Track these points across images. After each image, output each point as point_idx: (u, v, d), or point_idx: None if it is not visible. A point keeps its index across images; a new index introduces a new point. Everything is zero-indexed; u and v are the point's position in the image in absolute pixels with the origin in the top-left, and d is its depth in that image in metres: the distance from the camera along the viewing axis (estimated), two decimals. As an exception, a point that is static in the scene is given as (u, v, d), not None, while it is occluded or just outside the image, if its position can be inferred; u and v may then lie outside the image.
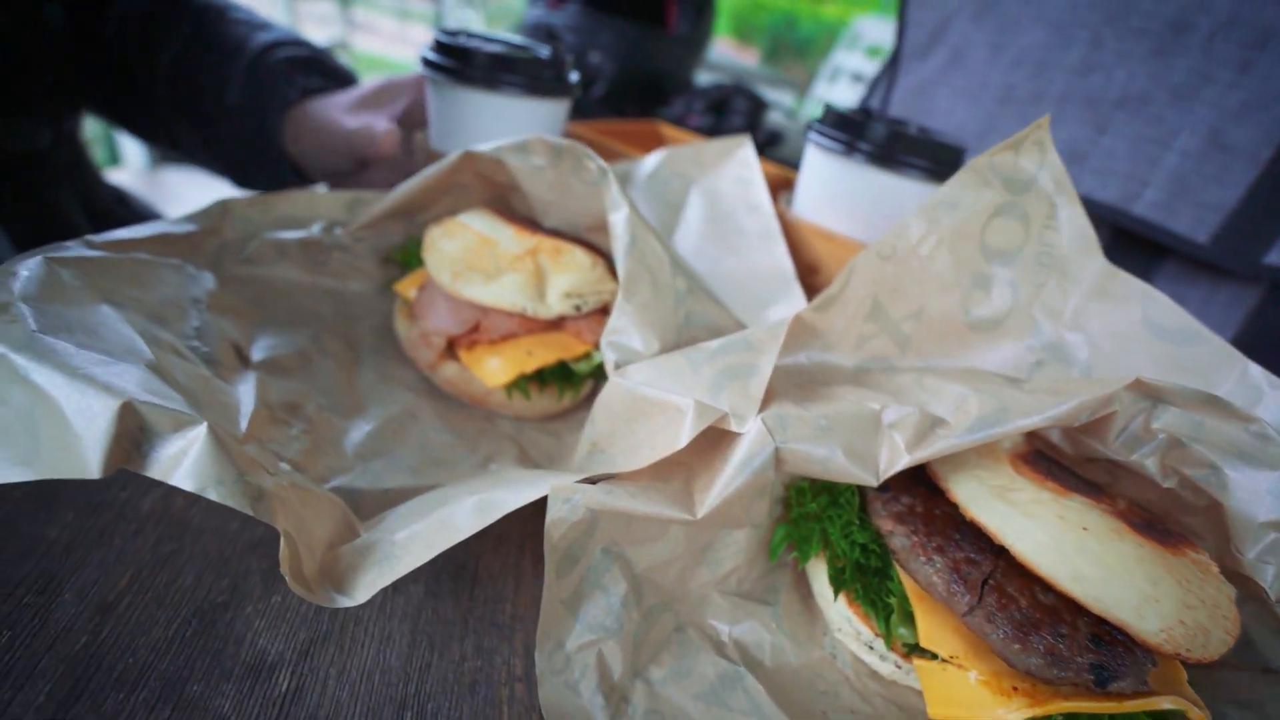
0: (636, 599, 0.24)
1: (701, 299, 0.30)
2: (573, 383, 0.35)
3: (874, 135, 0.43)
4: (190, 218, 0.33)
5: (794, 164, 0.97)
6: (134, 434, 0.19)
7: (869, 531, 0.27)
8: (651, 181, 0.47)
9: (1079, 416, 0.24)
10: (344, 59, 2.51)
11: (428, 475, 0.29)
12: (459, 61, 0.43)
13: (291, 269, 0.37)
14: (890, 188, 0.44)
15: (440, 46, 0.44)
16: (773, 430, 0.23)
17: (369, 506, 0.27)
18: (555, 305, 0.33)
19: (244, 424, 0.25)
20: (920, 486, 0.27)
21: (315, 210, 0.38)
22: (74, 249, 0.26)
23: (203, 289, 0.31)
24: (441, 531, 0.22)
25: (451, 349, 0.34)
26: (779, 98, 3.08)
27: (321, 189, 0.44)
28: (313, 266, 0.38)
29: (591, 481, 0.23)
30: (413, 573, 0.25)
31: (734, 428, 0.23)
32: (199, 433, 0.19)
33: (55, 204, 0.46)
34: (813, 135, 0.45)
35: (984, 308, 0.32)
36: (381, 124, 0.46)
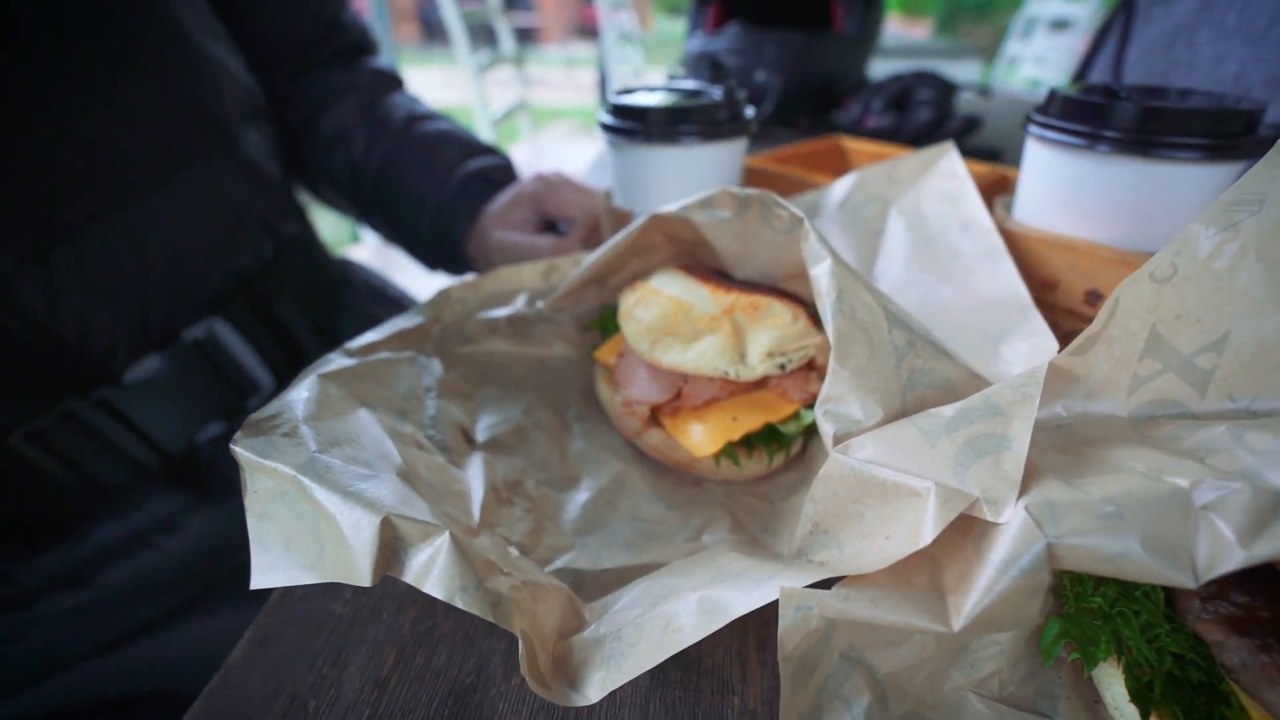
0: (882, 709, 0.21)
1: (926, 353, 0.27)
2: (782, 444, 0.33)
3: (1123, 118, 0.35)
4: (419, 310, 0.37)
5: (996, 152, 0.86)
6: (392, 544, 0.21)
7: (1184, 635, 0.21)
8: (844, 210, 0.44)
9: None
10: (525, 118, 2.76)
11: (643, 551, 0.29)
12: (636, 121, 0.44)
13: (502, 343, 0.40)
14: (1153, 178, 0.36)
15: (616, 110, 0.45)
16: (1041, 522, 0.19)
17: (591, 588, 0.27)
18: (758, 366, 0.31)
19: (476, 512, 0.27)
20: (1257, 579, 0.21)
21: (519, 283, 0.41)
22: (337, 361, 0.30)
23: (433, 376, 0.34)
24: (666, 633, 0.21)
25: (655, 416, 0.34)
26: (960, 72, 2.79)
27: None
28: (520, 339, 0.40)
29: (824, 583, 0.21)
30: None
31: (989, 517, 0.20)
32: (443, 542, 0.21)
33: (287, 314, 0.53)
34: (1035, 129, 0.39)
35: (1331, 326, 0.24)
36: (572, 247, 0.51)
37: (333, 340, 0.55)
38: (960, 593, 0.20)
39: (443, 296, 0.38)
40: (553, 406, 0.39)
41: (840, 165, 0.61)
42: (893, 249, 0.40)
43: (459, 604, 0.20)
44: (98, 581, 0.42)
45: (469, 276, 0.41)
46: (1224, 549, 0.19)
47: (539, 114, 5.94)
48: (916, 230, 0.40)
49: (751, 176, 0.53)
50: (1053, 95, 0.38)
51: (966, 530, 0.21)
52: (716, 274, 0.37)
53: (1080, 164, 0.37)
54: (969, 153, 0.82)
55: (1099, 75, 0.62)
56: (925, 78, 0.99)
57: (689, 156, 0.45)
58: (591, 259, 0.37)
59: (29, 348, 0.38)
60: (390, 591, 0.29)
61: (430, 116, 0.64)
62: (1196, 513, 0.19)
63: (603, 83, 5.32)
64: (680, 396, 0.32)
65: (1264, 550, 0.18)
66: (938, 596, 0.20)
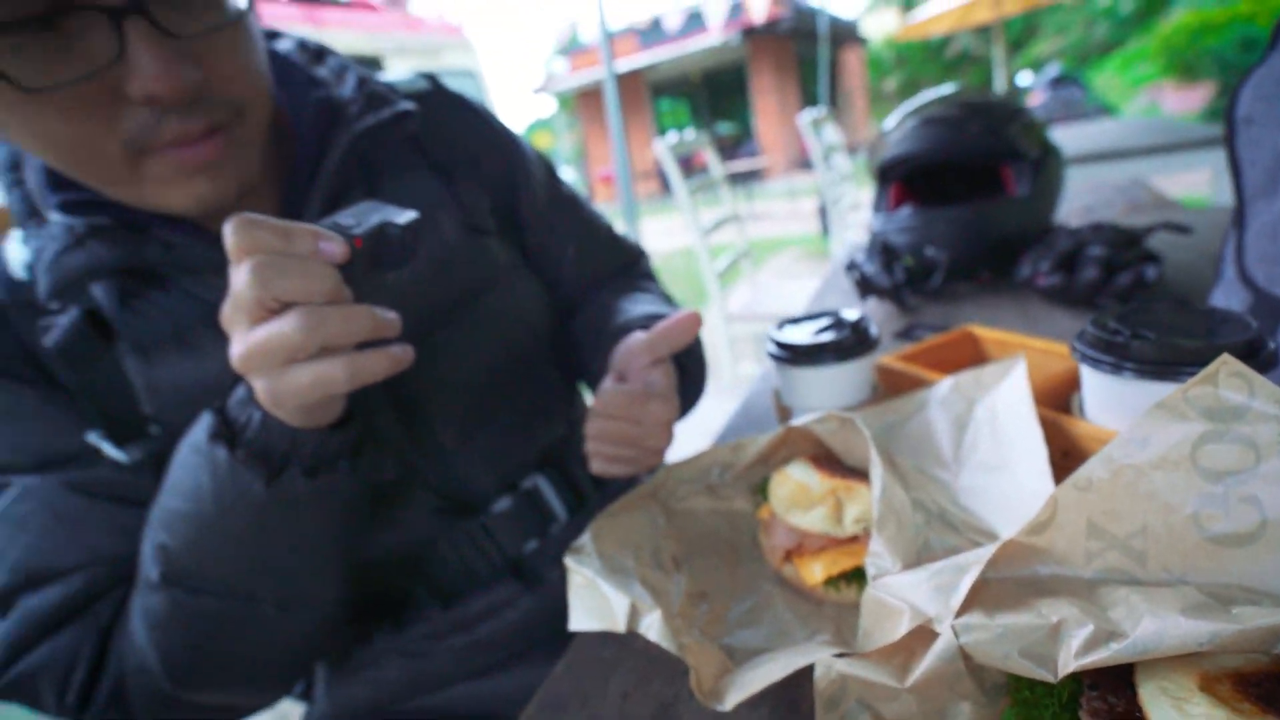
0: (887, 740, 0.37)
1: (938, 529, 0.44)
2: (867, 580, 0.50)
3: (1140, 353, 0.48)
4: (652, 480, 0.62)
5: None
6: (633, 614, 0.44)
7: (1082, 722, 0.34)
8: (943, 405, 0.60)
9: (1240, 644, 0.29)
10: (746, 264, 3.07)
11: (773, 642, 0.49)
12: (789, 351, 0.67)
13: (702, 501, 0.63)
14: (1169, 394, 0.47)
15: (776, 342, 0.68)
16: (958, 633, 0.36)
17: (739, 657, 0.47)
18: (849, 528, 0.50)
19: (676, 606, 0.49)
20: (1129, 689, 0.33)
21: (715, 459, 0.64)
22: (605, 515, 0.56)
23: (657, 525, 0.59)
24: (768, 675, 0.41)
25: (789, 556, 0.54)
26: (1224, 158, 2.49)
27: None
28: (713, 497, 0.63)
29: (845, 654, 0.39)
30: (764, 698, 0.44)
31: (935, 629, 0.37)
32: (656, 615, 0.44)
33: (574, 470, 0.79)
34: (1077, 355, 0.52)
35: (1223, 525, 0.36)
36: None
37: (602, 486, 0.83)
38: (914, 670, 0.36)
39: (665, 471, 0.63)
40: (731, 544, 0.61)
41: (973, 351, 0.75)
42: (974, 439, 0.56)
43: (663, 645, 0.42)
44: (476, 630, 0.72)
45: (689, 455, 0.65)
46: (1067, 660, 0.33)
47: (764, 246, 6.46)
48: (990, 425, 0.55)
49: (883, 373, 0.71)
50: (1084, 330, 0.52)
51: (930, 636, 0.37)
52: (833, 461, 0.57)
53: (1113, 381, 0.50)
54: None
55: (1230, 254, 0.69)
56: (1102, 231, 1.06)
57: (828, 372, 0.66)
58: (757, 446, 0.59)
59: (457, 494, 0.71)
60: (635, 648, 0.52)
61: (632, 296, 0.82)
62: (1062, 636, 0.34)
63: (823, 212, 5.64)
64: (801, 545, 0.52)
65: (1083, 661, 0.32)
66: (904, 670, 0.37)
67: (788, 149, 14.13)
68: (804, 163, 13.95)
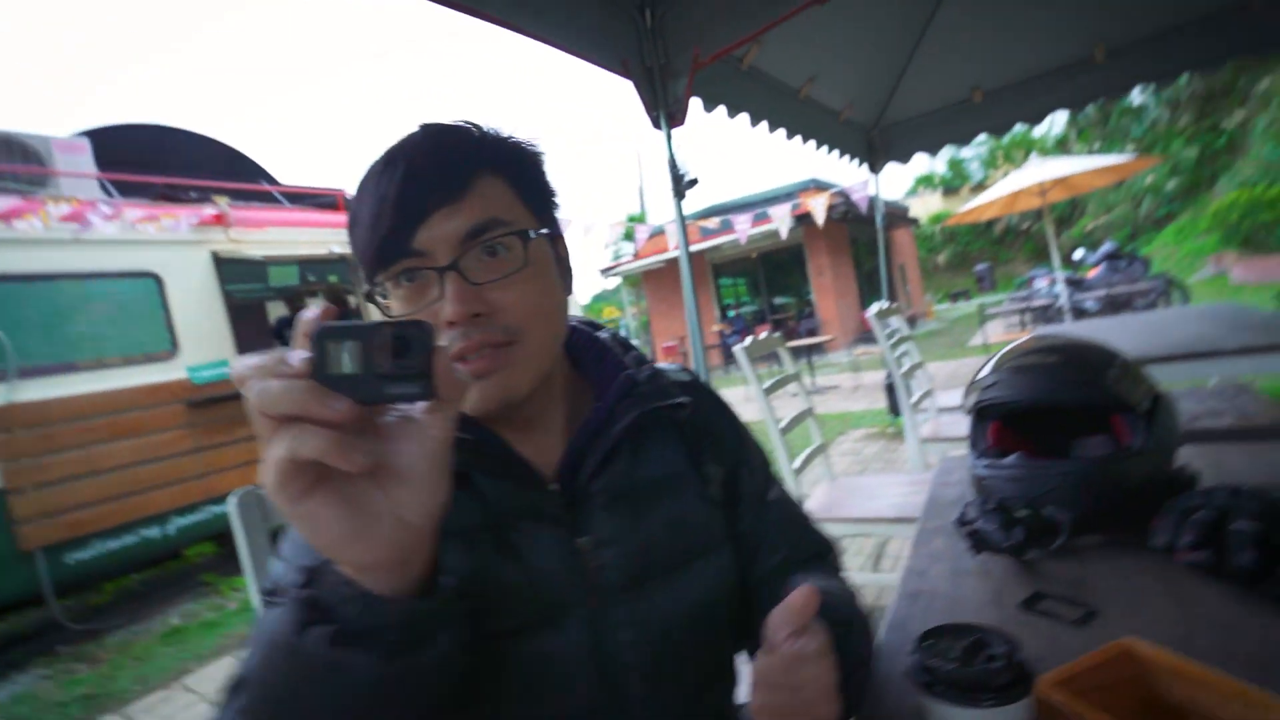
0: None
1: None
2: None
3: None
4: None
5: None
6: None
7: None
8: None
9: None
10: (820, 459, 3.02)
11: None
12: (941, 684, 0.62)
13: None
14: None
15: (925, 670, 0.64)
16: None
17: None
18: None
19: None
20: None
21: None
22: None
23: None
24: None
25: None
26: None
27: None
28: None
29: None
30: None
31: None
32: None
33: None
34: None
35: None
36: None
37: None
38: None
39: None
40: None
41: (1133, 671, 0.68)
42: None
43: None
44: None
45: None
46: None
47: (831, 421, 6.40)
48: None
49: (1043, 707, 0.65)
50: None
51: None
52: None
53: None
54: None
55: None
56: (1242, 498, 0.98)
57: (985, 714, 0.60)
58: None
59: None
60: None
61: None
62: None
63: (890, 390, 5.63)
64: None
65: None
66: None
67: (846, 321, 14.51)
68: (864, 335, 14.22)
